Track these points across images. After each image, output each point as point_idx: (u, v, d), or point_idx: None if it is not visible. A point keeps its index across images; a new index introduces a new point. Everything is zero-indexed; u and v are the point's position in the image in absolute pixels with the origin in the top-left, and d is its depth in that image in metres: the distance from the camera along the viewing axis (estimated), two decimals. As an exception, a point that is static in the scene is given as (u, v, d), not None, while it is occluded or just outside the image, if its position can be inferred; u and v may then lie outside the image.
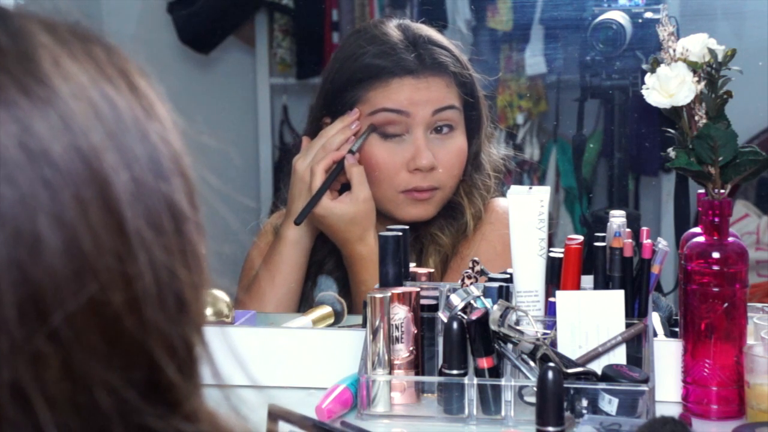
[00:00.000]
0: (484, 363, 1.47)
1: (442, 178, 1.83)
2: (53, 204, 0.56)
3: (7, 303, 0.54)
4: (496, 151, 1.93)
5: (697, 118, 1.49)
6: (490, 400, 1.47)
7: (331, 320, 1.77)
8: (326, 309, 1.78)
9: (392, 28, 1.87)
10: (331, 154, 1.81)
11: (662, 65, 1.49)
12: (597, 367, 1.48)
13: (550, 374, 1.31)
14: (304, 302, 1.88)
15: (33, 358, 0.55)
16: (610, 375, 1.45)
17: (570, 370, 1.45)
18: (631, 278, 1.54)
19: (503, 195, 1.92)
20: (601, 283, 1.54)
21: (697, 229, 1.54)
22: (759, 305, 1.66)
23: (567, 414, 1.37)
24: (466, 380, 1.47)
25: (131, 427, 0.58)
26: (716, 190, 1.50)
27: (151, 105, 0.64)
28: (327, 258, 1.89)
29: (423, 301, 1.58)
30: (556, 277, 1.56)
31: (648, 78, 1.50)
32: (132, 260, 0.58)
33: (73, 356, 0.56)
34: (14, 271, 0.55)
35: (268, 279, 1.85)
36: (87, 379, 0.57)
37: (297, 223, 1.80)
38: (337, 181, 1.83)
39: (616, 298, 1.51)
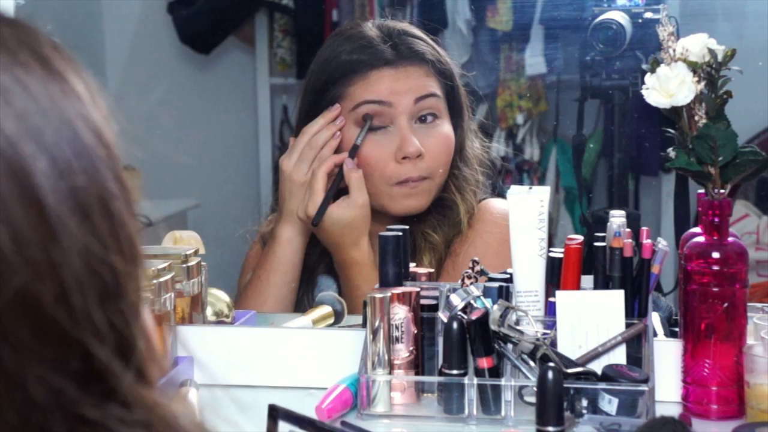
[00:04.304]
0: (484, 363, 1.47)
1: (431, 166, 1.84)
2: None
3: None
4: (479, 144, 1.94)
5: (697, 118, 1.49)
6: (490, 400, 1.47)
7: (331, 320, 1.77)
8: (326, 309, 1.78)
9: (368, 27, 1.90)
10: (333, 158, 1.82)
11: (662, 65, 1.49)
12: (597, 367, 1.48)
13: (550, 374, 1.31)
14: (304, 302, 1.88)
15: None
16: (610, 375, 1.45)
17: (570, 370, 1.45)
18: (631, 278, 1.54)
19: (497, 194, 1.93)
20: (601, 283, 1.54)
21: (697, 229, 1.54)
22: (759, 305, 1.66)
23: (567, 414, 1.37)
24: (466, 380, 1.47)
25: (70, 419, 0.57)
26: (716, 190, 1.50)
27: (66, 81, 0.61)
28: (326, 257, 1.89)
29: (423, 301, 1.58)
30: (556, 277, 1.56)
31: (648, 78, 1.50)
32: (57, 249, 0.56)
33: (3, 354, 0.55)
34: None
35: (264, 279, 1.85)
36: (20, 374, 0.55)
37: (315, 224, 1.80)
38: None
39: (616, 298, 1.51)
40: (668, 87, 1.47)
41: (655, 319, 1.61)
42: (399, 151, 1.83)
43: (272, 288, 1.85)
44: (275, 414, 1.33)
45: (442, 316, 1.52)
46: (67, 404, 0.57)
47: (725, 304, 1.49)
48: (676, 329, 1.59)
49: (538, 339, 1.46)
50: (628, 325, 1.51)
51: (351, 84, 1.85)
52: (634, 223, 1.81)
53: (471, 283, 1.56)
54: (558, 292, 1.53)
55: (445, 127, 1.86)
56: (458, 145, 1.89)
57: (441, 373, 1.49)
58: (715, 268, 1.49)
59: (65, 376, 0.56)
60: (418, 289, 1.57)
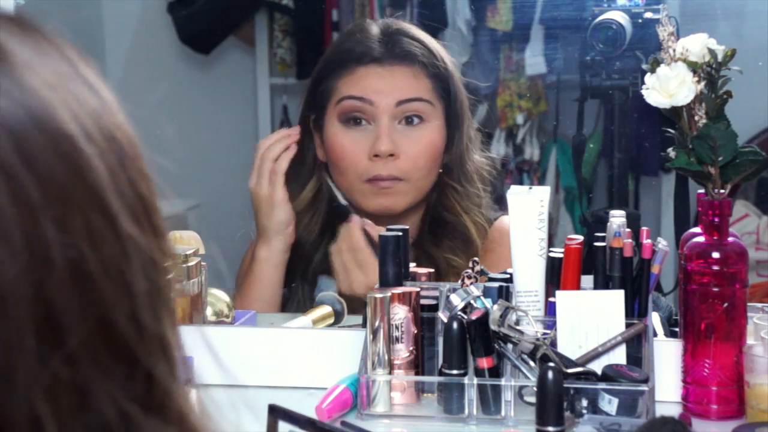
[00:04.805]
0: (484, 363, 1.47)
1: (406, 168, 1.82)
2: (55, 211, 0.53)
3: (23, 326, 0.51)
4: (479, 156, 1.91)
5: (697, 118, 1.49)
6: (490, 400, 1.47)
7: (331, 320, 1.77)
8: (326, 309, 1.78)
9: (374, 24, 1.89)
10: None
11: (662, 65, 1.49)
12: (597, 367, 1.48)
13: (550, 374, 1.31)
14: (305, 302, 1.88)
15: (49, 382, 0.52)
16: (610, 375, 1.45)
17: (570, 370, 1.45)
18: (631, 278, 1.54)
19: (499, 196, 1.92)
20: (601, 283, 1.54)
21: (697, 229, 1.54)
22: (759, 305, 1.66)
23: (567, 414, 1.37)
24: (466, 380, 1.47)
25: None
26: (716, 190, 1.50)
27: (101, 92, 0.60)
28: (326, 258, 1.88)
29: (423, 301, 1.58)
30: (556, 277, 1.56)
31: (648, 78, 1.50)
32: (128, 265, 0.55)
33: (85, 375, 0.53)
34: (28, 289, 0.52)
35: (246, 295, 1.85)
36: (95, 395, 0.54)
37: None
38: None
39: (616, 298, 1.51)
40: (668, 87, 1.47)
41: (655, 319, 1.61)
42: (371, 148, 1.82)
43: (254, 305, 1.85)
44: (275, 414, 1.33)
45: (442, 316, 1.52)
46: (134, 428, 0.56)
47: (725, 304, 1.49)
48: (676, 329, 1.59)
49: (538, 339, 1.46)
50: (628, 325, 1.51)
51: (339, 78, 1.85)
52: (634, 223, 1.81)
53: (471, 283, 1.56)
54: (558, 292, 1.53)
55: (431, 132, 1.84)
56: (457, 158, 1.87)
57: (441, 373, 1.49)
58: (715, 268, 1.49)
59: (132, 398, 0.55)
60: (418, 289, 1.57)
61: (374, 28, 1.87)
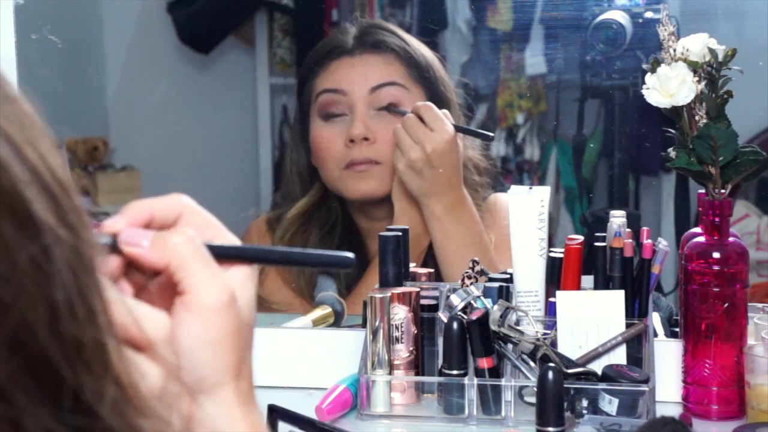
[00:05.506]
0: (484, 363, 1.47)
1: (383, 150, 1.83)
2: None
3: None
4: (472, 151, 1.90)
5: (697, 118, 1.49)
6: (490, 400, 1.47)
7: (331, 320, 1.77)
8: (326, 309, 1.77)
9: (349, 25, 1.91)
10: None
11: (662, 65, 1.49)
12: (597, 367, 1.48)
13: (551, 374, 1.30)
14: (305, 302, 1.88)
15: None
16: (610, 375, 1.45)
17: (570, 370, 1.44)
18: (632, 278, 1.53)
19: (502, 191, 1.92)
20: (602, 283, 1.53)
21: (698, 229, 1.53)
22: (759, 305, 1.65)
23: (567, 414, 1.37)
24: (466, 380, 1.47)
25: None
26: (716, 190, 1.50)
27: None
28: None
29: (423, 301, 1.57)
30: (556, 277, 1.56)
31: (648, 78, 1.49)
32: (49, 265, 0.49)
33: (18, 407, 0.48)
34: None
35: None
36: (28, 428, 0.48)
37: None
38: None
39: (617, 298, 1.51)
40: (669, 87, 1.47)
41: (655, 319, 1.61)
42: (347, 135, 1.83)
43: None
44: (275, 414, 1.33)
45: (442, 316, 1.52)
46: None
47: (726, 305, 1.49)
48: (677, 329, 1.59)
49: (538, 339, 1.46)
50: (628, 325, 1.51)
51: (316, 77, 1.88)
52: (634, 223, 1.81)
53: (471, 283, 1.56)
54: (558, 293, 1.53)
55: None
56: None
57: (441, 373, 1.49)
58: (716, 268, 1.49)
59: (61, 423, 0.49)
60: (418, 289, 1.57)
61: (351, 28, 1.90)
